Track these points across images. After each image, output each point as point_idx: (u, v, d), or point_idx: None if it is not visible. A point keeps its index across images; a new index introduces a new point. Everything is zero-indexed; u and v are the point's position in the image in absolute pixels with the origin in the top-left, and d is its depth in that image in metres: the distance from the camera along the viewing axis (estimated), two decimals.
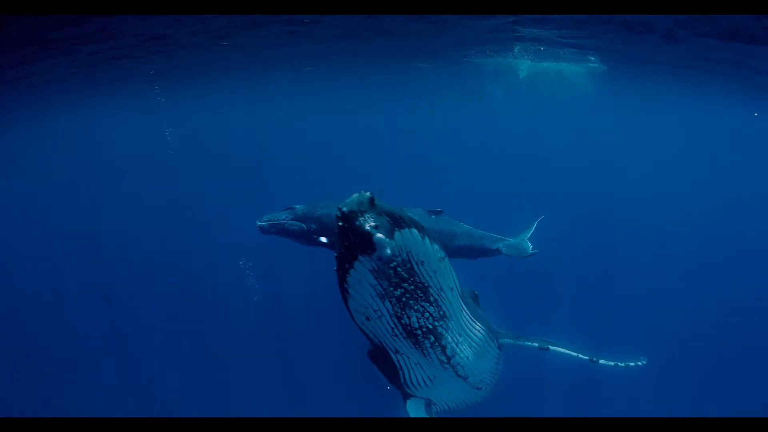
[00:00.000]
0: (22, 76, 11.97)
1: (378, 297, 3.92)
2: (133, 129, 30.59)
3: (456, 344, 4.68)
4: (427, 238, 3.88)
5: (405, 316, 4.10)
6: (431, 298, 4.11)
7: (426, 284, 4.00)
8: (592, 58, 13.81)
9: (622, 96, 23.17)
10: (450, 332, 4.53)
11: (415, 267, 3.85)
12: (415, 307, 4.07)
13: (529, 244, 9.48)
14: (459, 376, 4.92)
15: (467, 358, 4.88)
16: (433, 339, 4.39)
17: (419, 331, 4.27)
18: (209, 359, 15.64)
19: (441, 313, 4.30)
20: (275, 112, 30.41)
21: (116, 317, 17.77)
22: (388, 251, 3.53)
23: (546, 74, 17.76)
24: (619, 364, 5.21)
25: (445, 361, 4.67)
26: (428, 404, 5.55)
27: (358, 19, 9.12)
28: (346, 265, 3.74)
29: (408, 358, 4.64)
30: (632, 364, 5.25)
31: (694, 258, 21.83)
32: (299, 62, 15.00)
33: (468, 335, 4.86)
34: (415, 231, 3.73)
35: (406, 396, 5.44)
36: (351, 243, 3.56)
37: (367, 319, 4.15)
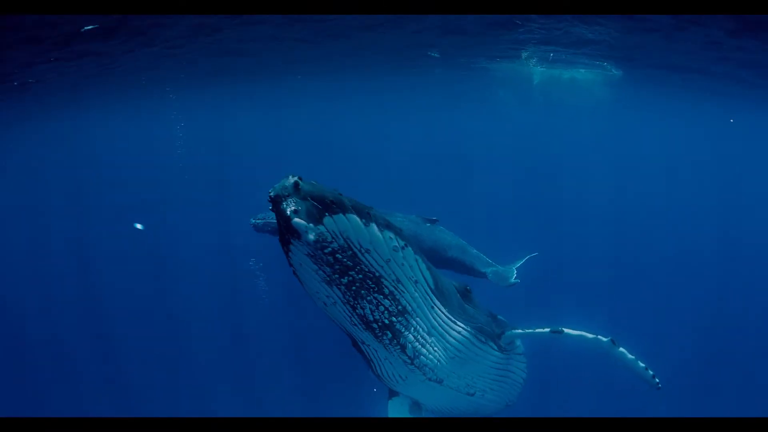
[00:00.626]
0: (30, 79, 12.01)
1: (325, 283, 3.85)
2: (142, 129, 30.61)
3: (422, 345, 4.35)
4: (374, 225, 3.66)
5: (359, 306, 3.98)
6: (385, 290, 3.94)
7: (377, 274, 3.85)
8: (606, 64, 13.65)
9: (639, 102, 23.00)
10: (412, 330, 4.24)
11: (359, 255, 3.70)
12: (368, 298, 3.93)
13: (514, 273, 9.69)
14: (430, 379, 4.62)
15: (437, 360, 4.53)
16: (390, 335, 4.14)
17: (375, 325, 4.09)
18: (217, 359, 15.62)
19: (399, 308, 4.06)
20: (285, 113, 30.43)
21: (125, 317, 17.79)
22: (311, 236, 3.45)
23: (560, 81, 17.73)
24: (640, 363, 4.71)
25: (408, 361, 4.38)
26: (416, 405, 5.35)
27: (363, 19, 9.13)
28: (285, 249, 3.76)
29: (376, 351, 4.49)
30: (651, 373, 4.73)
31: (715, 264, 21.71)
32: (308, 66, 15.03)
33: (441, 336, 4.49)
34: (353, 217, 3.54)
35: (392, 394, 5.28)
36: (281, 227, 3.58)
37: (325, 305, 4.10)
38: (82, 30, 7.86)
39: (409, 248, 3.98)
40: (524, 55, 13.07)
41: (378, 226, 3.71)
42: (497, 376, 5.24)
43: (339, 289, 3.88)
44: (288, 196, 3.43)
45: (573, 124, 33.40)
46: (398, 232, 3.91)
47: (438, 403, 5.25)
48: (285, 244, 3.70)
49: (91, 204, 29.47)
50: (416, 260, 4.05)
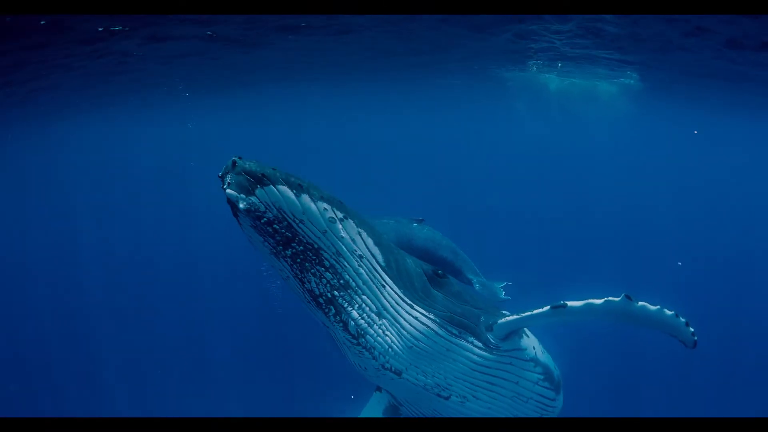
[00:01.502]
0: (43, 81, 12.06)
1: (274, 255, 3.96)
2: (155, 129, 30.62)
3: (368, 324, 4.16)
4: (305, 196, 3.75)
5: (305, 280, 4.02)
6: (326, 263, 3.94)
7: (315, 246, 3.88)
8: (630, 74, 13.38)
9: (658, 113, 22.73)
10: (356, 308, 4.11)
11: (295, 225, 3.80)
12: (312, 270, 3.96)
13: (502, 291, 9.71)
14: (384, 366, 4.30)
15: (389, 346, 4.21)
16: (333, 311, 4.09)
17: (321, 299, 4.09)
18: (231, 362, 15.60)
19: (341, 282, 4.01)
20: (304, 117, 30.48)
21: (142, 321, 17.82)
22: (241, 205, 3.65)
23: (577, 91, 17.61)
24: (667, 311, 3.91)
25: (354, 342, 4.20)
26: (394, 405, 5.12)
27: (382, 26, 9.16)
28: (238, 223, 3.97)
29: (334, 334, 4.37)
30: (683, 320, 3.94)
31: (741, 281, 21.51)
32: (326, 74, 15.10)
33: (395, 319, 4.19)
34: (283, 188, 3.69)
35: (378, 387, 5.07)
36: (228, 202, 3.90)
37: (284, 279, 4.19)
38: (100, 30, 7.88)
39: (350, 221, 3.95)
40: (531, 64, 12.95)
41: (310, 196, 3.77)
42: (485, 382, 4.52)
43: (286, 261, 3.95)
44: (228, 173, 3.69)
45: (591, 135, 33.21)
46: (337, 205, 3.92)
47: (414, 404, 4.90)
48: (235, 217, 3.92)
49: (98, 205, 29.63)
50: (359, 234, 3.99)
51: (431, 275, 4.45)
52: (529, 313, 4.21)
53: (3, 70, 10.07)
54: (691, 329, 3.94)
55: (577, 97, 19.32)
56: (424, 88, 19.94)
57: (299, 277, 4.02)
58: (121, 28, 7.95)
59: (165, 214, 28.28)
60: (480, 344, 4.41)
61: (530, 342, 4.72)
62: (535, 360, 4.65)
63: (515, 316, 4.30)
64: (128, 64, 11.28)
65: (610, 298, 3.91)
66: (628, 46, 10.09)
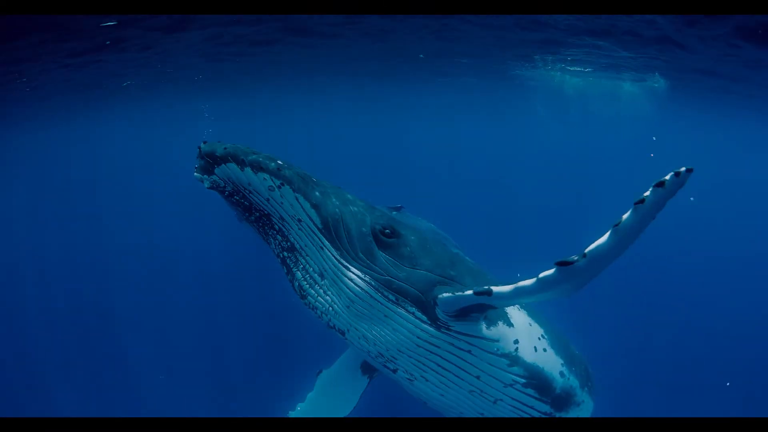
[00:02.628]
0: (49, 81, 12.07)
1: (247, 221, 4.45)
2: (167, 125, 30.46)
3: (310, 285, 4.31)
4: (248, 169, 4.08)
5: (269, 242, 4.46)
6: (275, 227, 4.34)
7: (265, 212, 4.30)
8: (655, 74, 13.26)
9: (682, 116, 22.60)
10: (300, 269, 4.33)
11: (248, 195, 4.22)
12: (270, 232, 4.38)
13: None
14: (328, 325, 4.41)
15: (330, 306, 4.30)
16: (286, 270, 4.47)
17: (279, 258, 4.48)
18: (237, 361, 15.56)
19: (287, 244, 4.36)
20: (318, 117, 30.45)
21: (145, 321, 17.79)
22: (205, 184, 4.19)
23: (598, 91, 17.49)
24: (647, 194, 2.85)
25: (303, 301, 4.46)
26: (369, 365, 5.30)
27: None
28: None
29: None
30: (667, 178, 2.84)
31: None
32: (341, 72, 15.13)
33: (334, 280, 4.22)
34: (231, 164, 4.08)
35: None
36: None
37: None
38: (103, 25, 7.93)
39: (287, 187, 4.16)
40: (537, 59, 12.92)
41: (253, 168, 4.09)
42: (433, 363, 4.25)
43: (253, 226, 4.43)
44: (197, 158, 4.17)
45: (610, 137, 33.02)
46: (275, 173, 4.14)
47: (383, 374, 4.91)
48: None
49: (105, 204, 29.63)
50: (296, 198, 4.20)
51: (376, 234, 4.27)
52: (460, 293, 3.80)
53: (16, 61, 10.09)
54: (666, 177, 2.85)
55: (598, 98, 19.25)
56: (439, 85, 19.95)
57: (265, 239, 4.45)
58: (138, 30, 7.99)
59: (172, 213, 28.24)
60: (424, 317, 4.12)
61: (510, 333, 4.27)
62: (511, 357, 4.22)
63: (450, 294, 3.93)
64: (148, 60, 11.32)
65: (541, 276, 3.10)
66: (653, 45, 9.99)
